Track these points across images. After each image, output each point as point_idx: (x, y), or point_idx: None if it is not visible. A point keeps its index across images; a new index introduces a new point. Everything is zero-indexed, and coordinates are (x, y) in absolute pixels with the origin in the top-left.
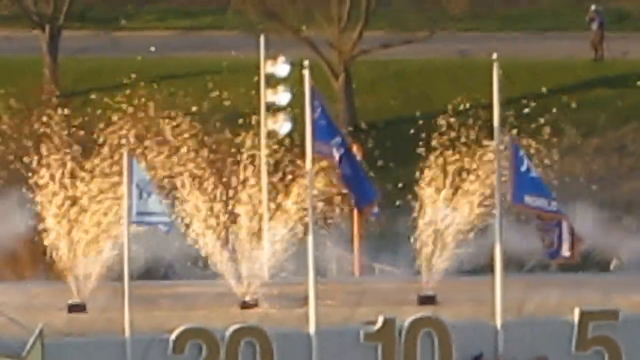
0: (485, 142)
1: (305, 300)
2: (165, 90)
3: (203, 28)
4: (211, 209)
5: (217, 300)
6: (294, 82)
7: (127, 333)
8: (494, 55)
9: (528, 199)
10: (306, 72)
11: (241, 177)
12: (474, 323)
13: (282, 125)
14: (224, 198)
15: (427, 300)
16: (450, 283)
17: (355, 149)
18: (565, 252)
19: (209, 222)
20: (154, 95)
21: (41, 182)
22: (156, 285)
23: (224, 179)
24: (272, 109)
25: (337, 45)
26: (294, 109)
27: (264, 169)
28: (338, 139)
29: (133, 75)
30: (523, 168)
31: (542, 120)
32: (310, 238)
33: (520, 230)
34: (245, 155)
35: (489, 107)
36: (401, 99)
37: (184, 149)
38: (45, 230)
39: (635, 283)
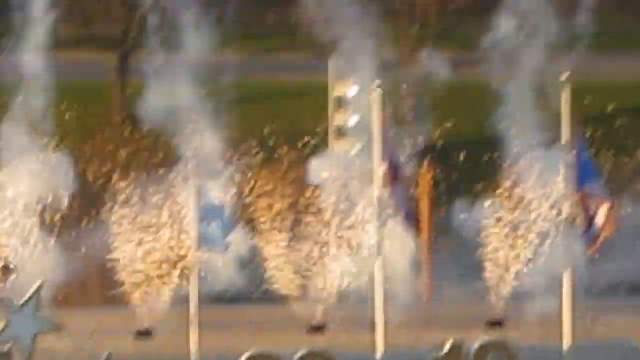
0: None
1: (372, 324)
2: (235, 113)
3: (272, 50)
4: (279, 231)
5: (284, 324)
6: (364, 103)
7: (194, 358)
8: (564, 76)
9: (587, 187)
10: (376, 94)
11: (309, 199)
12: (542, 346)
13: (351, 147)
14: (292, 221)
15: (495, 323)
16: (518, 306)
17: (427, 168)
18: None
19: (276, 245)
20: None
21: (112, 207)
22: (223, 309)
23: (292, 202)
24: (341, 131)
25: (408, 66)
26: (363, 130)
27: (330, 192)
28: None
29: None
30: (584, 158)
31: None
32: (377, 261)
33: (589, 254)
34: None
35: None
36: (471, 120)
37: (253, 172)
38: (113, 255)
39: None
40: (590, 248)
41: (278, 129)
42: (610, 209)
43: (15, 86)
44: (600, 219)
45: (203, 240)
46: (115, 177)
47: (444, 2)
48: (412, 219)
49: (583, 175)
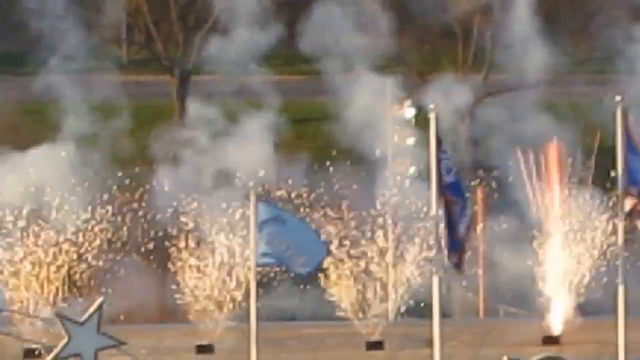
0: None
1: (429, 341)
2: (292, 134)
3: (329, 72)
4: (339, 249)
5: (343, 341)
6: (421, 124)
7: None
8: (618, 98)
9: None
10: (432, 115)
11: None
12: None
13: (408, 169)
14: (351, 241)
15: (551, 340)
16: (574, 324)
17: (481, 191)
18: None
19: (335, 264)
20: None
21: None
22: (282, 327)
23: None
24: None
25: (462, 88)
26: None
27: (389, 212)
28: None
29: None
30: (634, 155)
31: None
32: (435, 279)
33: None
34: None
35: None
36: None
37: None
38: (174, 273)
39: None
40: None
41: (339, 148)
42: None
43: (81, 106)
44: None
45: (260, 256)
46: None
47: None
48: (468, 236)
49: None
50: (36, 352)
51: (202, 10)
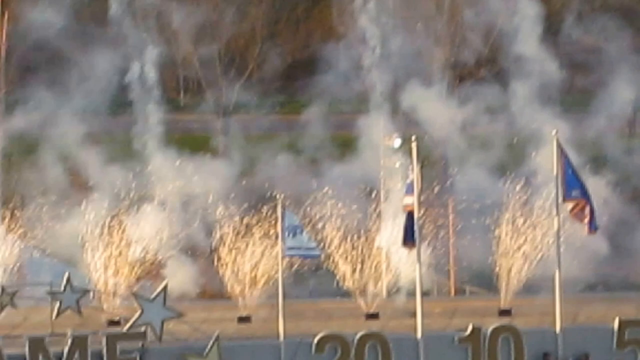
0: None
1: (414, 314)
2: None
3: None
4: (345, 241)
5: (348, 313)
6: (406, 152)
7: (282, 338)
8: (554, 132)
9: (574, 193)
10: (414, 145)
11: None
12: (540, 330)
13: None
14: (357, 236)
15: (505, 313)
16: (522, 300)
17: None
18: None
19: (343, 254)
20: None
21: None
22: (303, 302)
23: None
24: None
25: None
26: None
27: (385, 213)
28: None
29: None
30: (569, 169)
31: None
32: (417, 267)
33: (576, 257)
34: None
35: None
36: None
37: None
38: (220, 260)
39: None
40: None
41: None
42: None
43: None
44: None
45: (287, 249)
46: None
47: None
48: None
49: (571, 183)
50: (118, 321)
51: (241, 65)
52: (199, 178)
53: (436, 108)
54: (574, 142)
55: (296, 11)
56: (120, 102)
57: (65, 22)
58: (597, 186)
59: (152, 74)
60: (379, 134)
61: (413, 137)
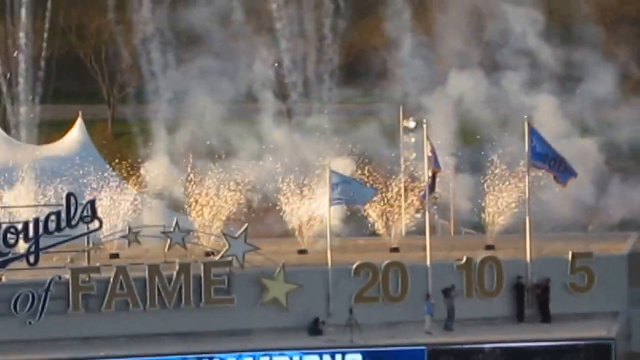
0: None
1: (423, 248)
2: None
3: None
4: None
5: (377, 248)
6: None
7: (329, 266)
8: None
9: (539, 164)
10: (424, 127)
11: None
12: (515, 260)
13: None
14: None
15: (490, 247)
16: (502, 238)
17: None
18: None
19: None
20: None
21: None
22: (345, 239)
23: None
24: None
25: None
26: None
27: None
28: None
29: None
30: (537, 145)
31: None
32: (427, 214)
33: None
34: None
35: None
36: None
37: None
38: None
39: (603, 238)
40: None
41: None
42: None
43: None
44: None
45: (334, 199)
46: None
47: None
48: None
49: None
50: (212, 253)
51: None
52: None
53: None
54: None
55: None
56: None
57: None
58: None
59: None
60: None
61: (424, 120)
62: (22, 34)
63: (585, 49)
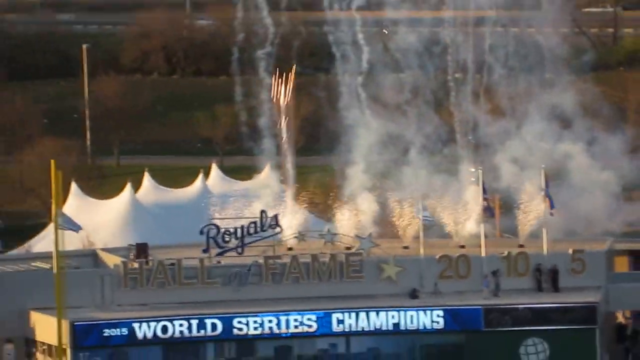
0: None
1: (479, 245)
2: None
3: None
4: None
5: (451, 244)
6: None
7: (422, 256)
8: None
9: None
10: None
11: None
12: (536, 253)
13: None
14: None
15: (521, 246)
16: (530, 239)
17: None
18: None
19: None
20: None
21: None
22: (430, 240)
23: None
24: None
25: None
26: None
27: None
28: None
29: None
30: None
31: None
32: (482, 225)
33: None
34: None
35: None
36: None
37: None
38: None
39: (591, 240)
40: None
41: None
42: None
43: None
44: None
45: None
46: None
47: None
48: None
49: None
50: (350, 248)
51: None
52: None
53: None
54: None
55: None
56: None
57: None
58: None
59: None
60: None
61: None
62: None
63: None
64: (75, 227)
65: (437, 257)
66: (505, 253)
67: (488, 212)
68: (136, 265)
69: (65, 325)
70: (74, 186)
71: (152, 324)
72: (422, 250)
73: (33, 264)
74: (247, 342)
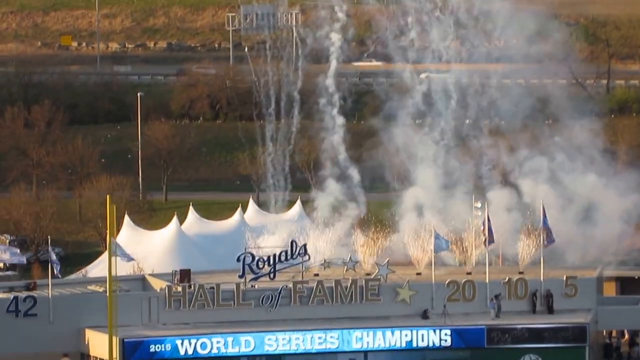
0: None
1: (485, 273)
2: None
3: None
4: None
5: (459, 271)
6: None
7: (433, 281)
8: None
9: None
10: (486, 209)
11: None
12: (533, 280)
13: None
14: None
15: (521, 273)
16: (529, 268)
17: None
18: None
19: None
20: None
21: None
22: (441, 267)
23: None
24: None
25: None
26: None
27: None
28: None
29: None
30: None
31: None
32: (487, 255)
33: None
34: None
35: None
36: None
37: None
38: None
39: (583, 267)
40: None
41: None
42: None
43: None
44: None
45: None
46: None
47: None
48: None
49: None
50: (369, 274)
51: None
52: None
53: None
54: None
55: None
56: None
57: None
58: None
59: None
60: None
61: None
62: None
63: None
64: (128, 259)
65: (446, 282)
66: (506, 279)
67: (489, 239)
68: (180, 288)
69: (116, 341)
70: (126, 219)
71: (193, 341)
72: (433, 276)
73: (89, 287)
74: (276, 357)
